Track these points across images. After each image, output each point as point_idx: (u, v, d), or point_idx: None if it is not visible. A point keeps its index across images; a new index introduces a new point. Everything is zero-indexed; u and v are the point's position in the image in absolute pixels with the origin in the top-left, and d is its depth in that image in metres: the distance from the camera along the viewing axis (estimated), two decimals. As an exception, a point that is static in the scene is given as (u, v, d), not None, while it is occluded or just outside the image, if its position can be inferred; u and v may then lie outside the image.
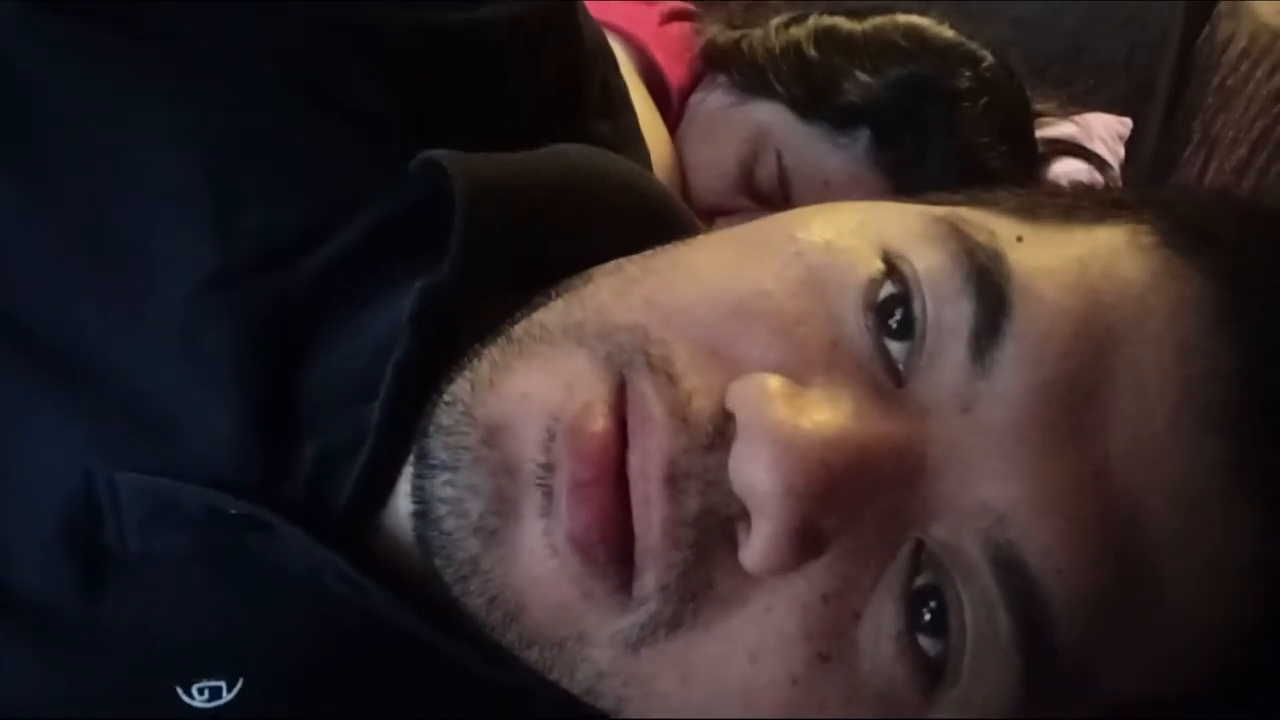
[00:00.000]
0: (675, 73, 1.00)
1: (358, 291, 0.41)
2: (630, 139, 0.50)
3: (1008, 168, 0.93)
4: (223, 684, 0.39)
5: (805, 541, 0.33)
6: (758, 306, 0.36)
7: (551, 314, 0.38)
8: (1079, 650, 0.34)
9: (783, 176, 0.95)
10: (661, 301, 0.37)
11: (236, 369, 0.40)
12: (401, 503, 0.39)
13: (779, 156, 0.95)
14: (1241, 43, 1.03)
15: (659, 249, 0.40)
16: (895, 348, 0.35)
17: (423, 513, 0.37)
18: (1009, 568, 0.33)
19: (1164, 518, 0.34)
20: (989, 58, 0.96)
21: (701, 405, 0.34)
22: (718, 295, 0.36)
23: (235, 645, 0.40)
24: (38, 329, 0.40)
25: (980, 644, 0.34)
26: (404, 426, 0.39)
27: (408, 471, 0.38)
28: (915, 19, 0.97)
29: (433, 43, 0.43)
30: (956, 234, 0.36)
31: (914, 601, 0.34)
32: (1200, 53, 1.18)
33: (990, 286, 0.35)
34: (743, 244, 0.39)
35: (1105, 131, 1.15)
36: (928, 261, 0.35)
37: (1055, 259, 0.36)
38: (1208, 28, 1.20)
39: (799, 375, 0.34)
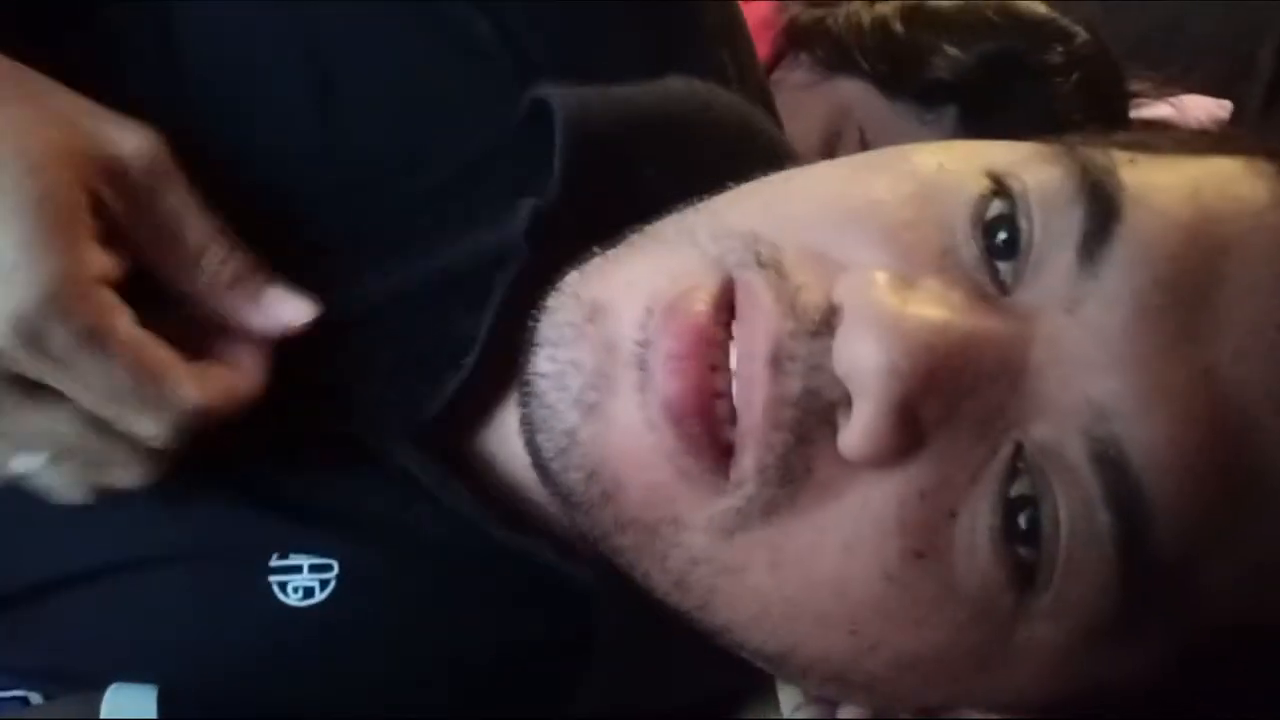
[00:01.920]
0: (757, 50, 0.99)
1: (472, 210, 0.42)
2: (747, 68, 0.50)
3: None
4: (320, 564, 0.41)
5: (905, 426, 0.34)
6: (869, 213, 0.37)
7: (667, 221, 0.39)
8: (1179, 555, 0.34)
9: (866, 154, 0.93)
10: (775, 209, 0.38)
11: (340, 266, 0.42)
12: (510, 405, 0.41)
13: (862, 134, 0.93)
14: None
15: (772, 175, 0.41)
16: (1002, 266, 0.36)
17: (526, 392, 0.38)
18: (1110, 464, 0.33)
19: (1272, 423, 0.34)
20: (1082, 33, 0.94)
21: (810, 297, 0.35)
22: (830, 203, 0.38)
23: (333, 529, 0.42)
24: None
25: (1077, 545, 0.34)
26: (509, 341, 0.39)
27: (509, 400, 0.40)
28: (1006, -6, 0.95)
29: None
30: (1070, 152, 0.36)
31: (1011, 508, 0.34)
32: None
33: (1102, 194, 0.35)
34: (857, 164, 0.41)
35: (1203, 114, 1.11)
36: (1039, 176, 0.36)
37: (1170, 177, 0.37)
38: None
39: (907, 275, 0.35)
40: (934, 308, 0.34)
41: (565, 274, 0.39)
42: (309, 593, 0.42)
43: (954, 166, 0.38)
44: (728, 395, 0.35)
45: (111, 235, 0.37)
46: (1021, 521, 0.34)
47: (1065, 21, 0.94)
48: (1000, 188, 0.36)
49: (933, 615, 0.35)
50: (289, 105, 0.43)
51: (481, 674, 0.43)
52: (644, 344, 0.35)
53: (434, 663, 0.43)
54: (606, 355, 0.36)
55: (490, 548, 0.41)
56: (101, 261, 0.36)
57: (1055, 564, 0.34)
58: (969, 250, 0.36)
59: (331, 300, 0.41)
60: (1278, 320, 0.35)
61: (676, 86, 0.45)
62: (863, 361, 0.33)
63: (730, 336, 0.35)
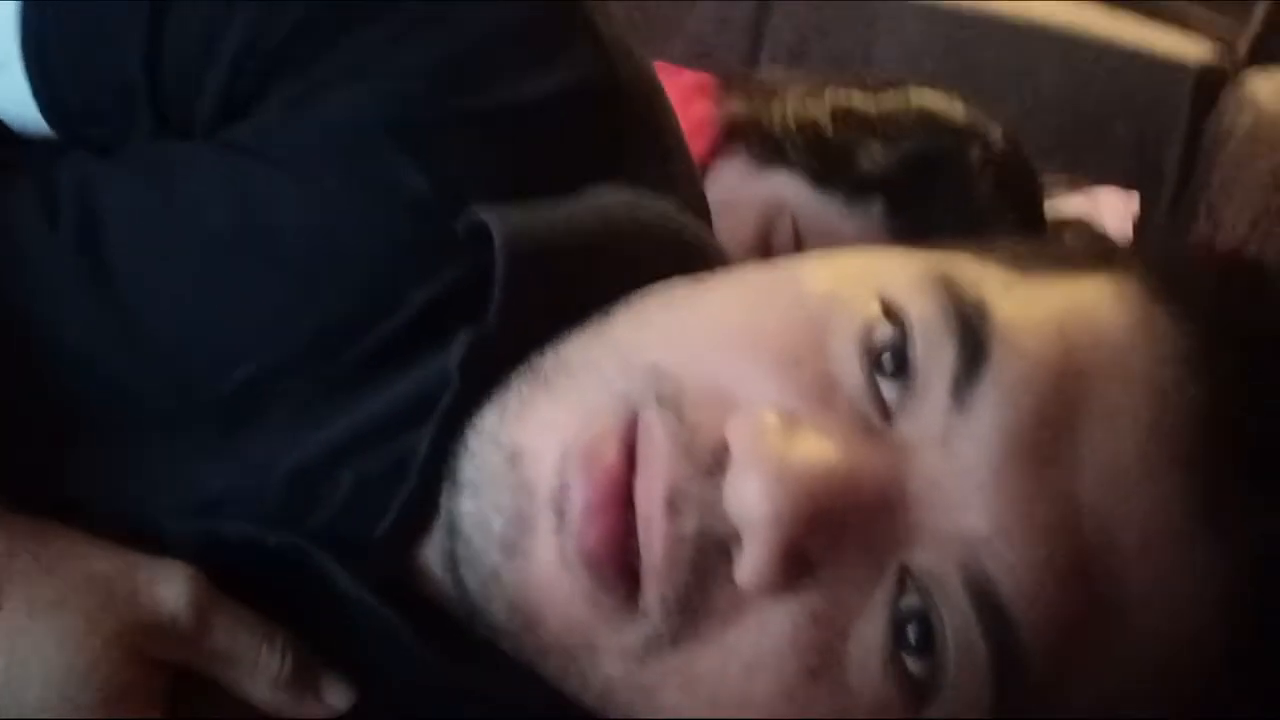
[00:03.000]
0: (695, 147, 1.04)
1: (408, 357, 0.44)
2: (678, 180, 0.52)
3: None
4: None
5: (792, 563, 0.36)
6: (760, 347, 0.39)
7: (574, 349, 0.42)
8: (1048, 671, 0.37)
9: (799, 244, 0.98)
10: (674, 340, 0.40)
11: (288, 423, 0.43)
12: (437, 535, 0.42)
13: (795, 225, 0.98)
14: (1243, 129, 1.06)
15: (678, 285, 0.43)
16: (887, 387, 0.38)
17: (451, 528, 0.40)
18: (982, 594, 0.36)
19: (1131, 549, 0.37)
20: (998, 135, 1.00)
21: (704, 437, 0.37)
22: (725, 337, 0.40)
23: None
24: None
25: (959, 663, 0.37)
26: (445, 462, 0.42)
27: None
28: (929, 98, 1.01)
29: (474, 128, 0.46)
30: (947, 285, 0.39)
31: (900, 622, 0.37)
32: (1207, 135, 1.22)
33: (972, 334, 0.38)
34: (752, 287, 0.43)
35: (1113, 208, 1.18)
36: (921, 310, 0.39)
37: (1037, 309, 0.39)
38: (1214, 111, 1.24)
39: (794, 411, 0.38)
40: (816, 450, 0.37)
41: (490, 403, 0.41)
42: None
43: (845, 289, 0.40)
44: (635, 533, 0.37)
45: (168, 675, 0.39)
46: (910, 635, 0.37)
47: (983, 124, 1.00)
48: (890, 313, 0.39)
49: None
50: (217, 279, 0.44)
51: None
52: (560, 489, 0.38)
53: None
54: (526, 498, 0.39)
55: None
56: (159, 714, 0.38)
57: (944, 677, 0.37)
58: (855, 380, 0.39)
59: (288, 454, 0.43)
60: (1135, 455, 0.38)
61: (609, 200, 0.47)
62: (749, 508, 0.36)
63: (637, 470, 0.38)
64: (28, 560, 0.39)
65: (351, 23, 0.45)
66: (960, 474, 0.37)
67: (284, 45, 0.45)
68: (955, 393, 0.38)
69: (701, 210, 0.53)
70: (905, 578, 0.37)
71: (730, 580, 0.37)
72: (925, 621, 0.37)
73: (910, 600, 0.37)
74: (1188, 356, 0.39)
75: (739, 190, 1.01)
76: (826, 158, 0.98)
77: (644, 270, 0.45)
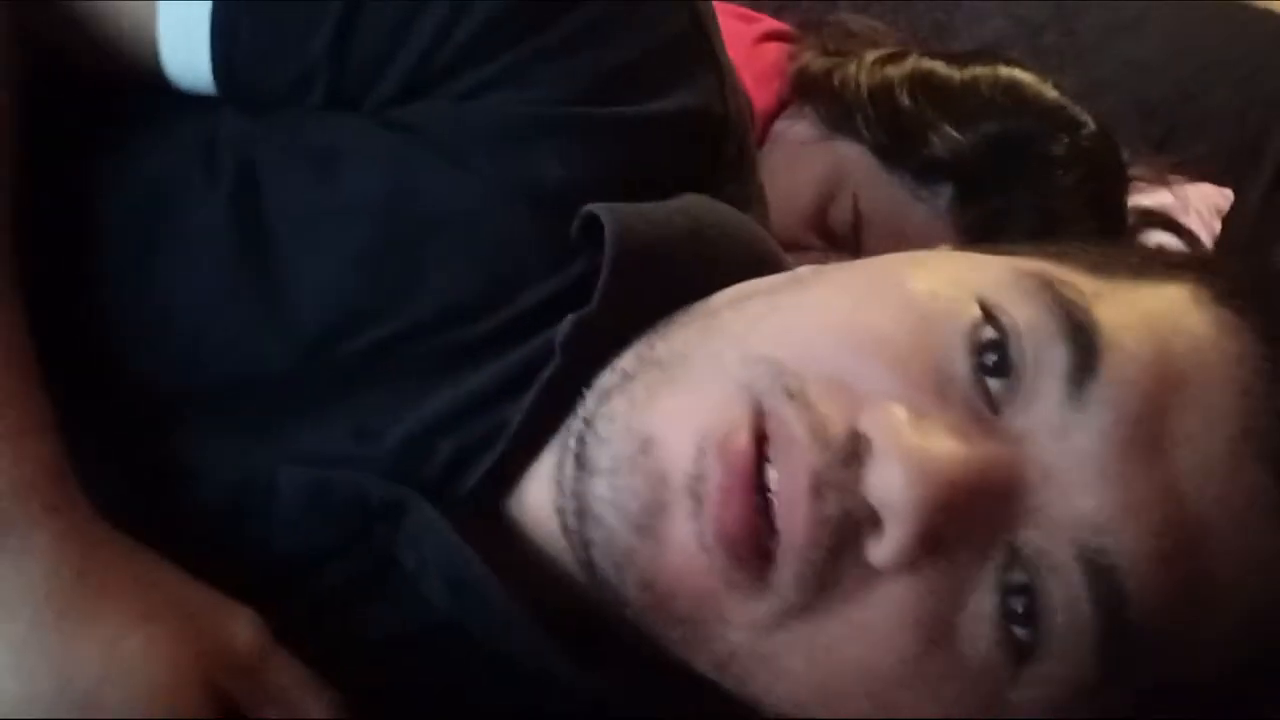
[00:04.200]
0: (761, 96, 0.97)
1: (518, 342, 0.48)
2: (752, 200, 0.56)
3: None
4: None
5: (929, 545, 0.40)
6: (878, 345, 0.42)
7: (688, 340, 0.45)
8: (1148, 636, 0.41)
9: (857, 221, 0.92)
10: (792, 337, 0.43)
11: (403, 392, 0.47)
12: (530, 499, 0.46)
13: (856, 202, 0.92)
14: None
15: (773, 285, 0.47)
16: (992, 384, 0.42)
17: (580, 511, 0.43)
18: (1098, 570, 0.40)
19: (1224, 533, 0.41)
20: (1091, 124, 0.92)
21: (835, 429, 0.40)
22: (838, 333, 0.43)
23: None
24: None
25: (1065, 630, 0.40)
26: (539, 432, 0.46)
27: (537, 471, 0.46)
28: (1019, 73, 0.93)
29: (611, 133, 0.50)
30: (1049, 288, 0.42)
31: (1008, 595, 0.41)
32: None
33: (1083, 336, 0.41)
34: (854, 286, 0.46)
35: (1203, 203, 1.10)
36: (1025, 312, 0.42)
37: (1132, 314, 0.43)
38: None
39: (916, 405, 0.41)
40: (950, 441, 0.40)
41: (601, 381, 0.45)
42: None
43: (946, 293, 0.43)
44: (764, 511, 0.40)
45: (221, 705, 0.42)
46: (1018, 606, 0.41)
47: (1075, 110, 0.92)
48: (990, 315, 0.42)
49: (941, 687, 0.41)
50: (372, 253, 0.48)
51: None
52: (697, 477, 0.41)
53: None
54: (660, 484, 0.41)
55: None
56: None
57: (1048, 644, 0.40)
58: (964, 374, 0.42)
59: (399, 423, 0.46)
60: (1224, 446, 0.41)
61: (700, 204, 0.51)
62: (896, 495, 0.39)
63: (766, 459, 0.40)
64: (129, 577, 0.42)
65: (533, 26, 0.49)
66: (1077, 462, 0.40)
67: (470, 41, 0.49)
68: (1070, 388, 0.41)
69: (764, 219, 0.57)
70: (1015, 554, 0.41)
71: (859, 558, 0.40)
72: (1031, 594, 0.40)
73: (1017, 575, 0.41)
74: (1263, 362, 0.43)
75: (801, 155, 0.94)
76: (897, 134, 0.90)
77: (727, 270, 0.49)
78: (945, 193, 0.89)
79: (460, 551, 0.44)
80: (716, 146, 0.54)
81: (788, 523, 0.40)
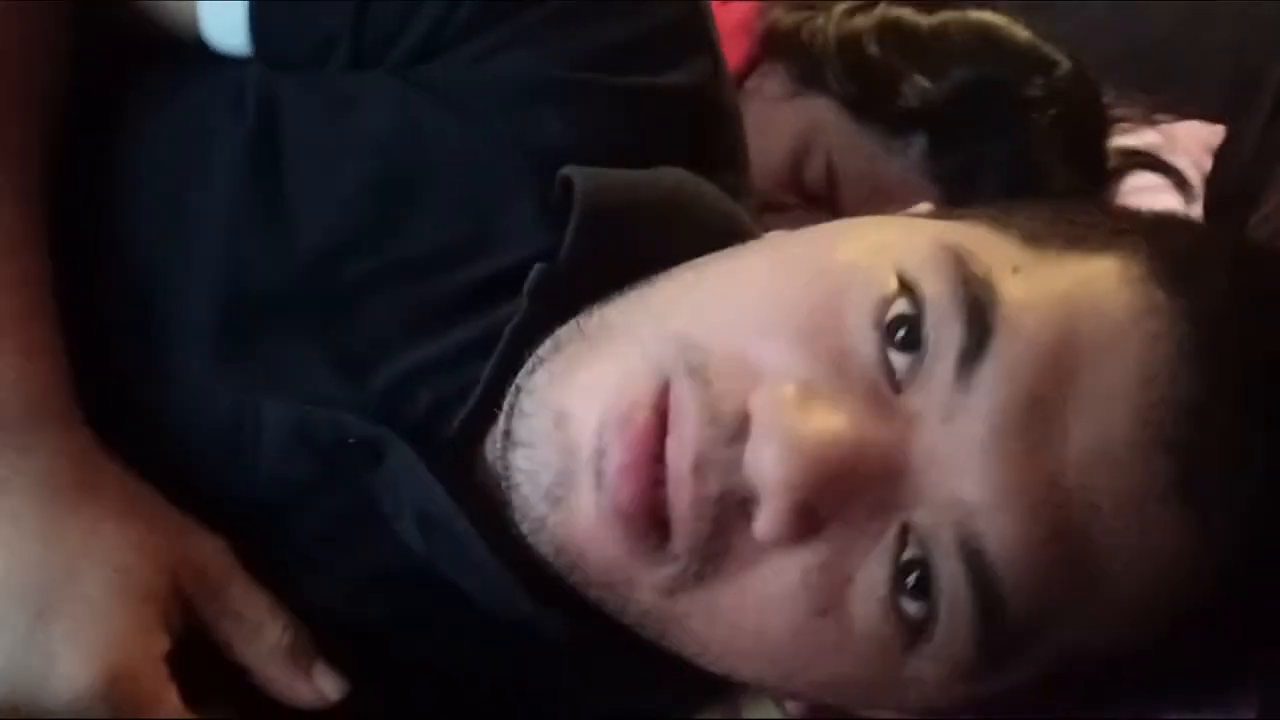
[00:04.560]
0: (731, 55, 0.94)
1: (497, 300, 0.50)
2: (741, 192, 0.58)
3: (1071, 187, 0.87)
4: None
5: (803, 520, 0.41)
6: (782, 321, 0.44)
7: (616, 312, 0.47)
8: (1026, 620, 0.42)
9: (831, 177, 0.90)
10: (704, 312, 0.45)
11: (386, 334, 0.50)
12: (489, 448, 0.48)
13: (829, 157, 0.90)
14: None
15: (715, 256, 0.49)
16: (898, 359, 0.42)
17: (506, 479, 0.45)
18: (972, 553, 0.41)
19: (1111, 520, 0.41)
20: (1065, 63, 0.90)
21: (728, 405, 0.42)
22: (750, 309, 0.45)
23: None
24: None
25: (950, 610, 0.42)
26: (508, 381, 0.47)
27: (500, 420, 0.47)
28: (988, 17, 0.91)
29: (612, 100, 0.54)
30: (959, 264, 0.43)
31: (901, 570, 0.42)
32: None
33: (979, 315, 0.42)
34: (779, 259, 0.48)
35: (1193, 141, 1.07)
36: (933, 288, 0.42)
37: (1043, 291, 0.43)
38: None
39: (811, 382, 0.42)
40: (828, 423, 0.41)
41: (555, 330, 0.47)
42: None
43: (866, 264, 0.44)
44: (665, 485, 0.42)
45: (183, 613, 0.46)
46: (910, 580, 0.42)
47: (1048, 50, 0.90)
48: (906, 288, 0.43)
49: (835, 656, 0.43)
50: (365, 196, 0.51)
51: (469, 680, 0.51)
52: (599, 451, 0.43)
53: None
54: (570, 457, 0.43)
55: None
56: (163, 642, 0.45)
57: (937, 621, 0.42)
58: (869, 352, 0.43)
59: (383, 369, 0.49)
60: (1120, 430, 0.41)
61: (679, 176, 0.53)
62: (767, 473, 0.41)
63: (669, 433, 0.42)
64: (116, 485, 0.47)
65: None
66: (958, 446, 0.41)
67: (481, 7, 0.52)
68: (959, 370, 0.41)
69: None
70: (907, 533, 0.42)
71: (749, 531, 0.42)
72: (925, 570, 0.42)
73: (913, 552, 0.42)
74: (1181, 346, 0.42)
75: (772, 114, 0.92)
76: (866, 85, 0.89)
77: (698, 240, 0.50)
78: (919, 143, 0.87)
79: (431, 489, 0.46)
80: (708, 129, 0.57)
81: (675, 498, 0.42)
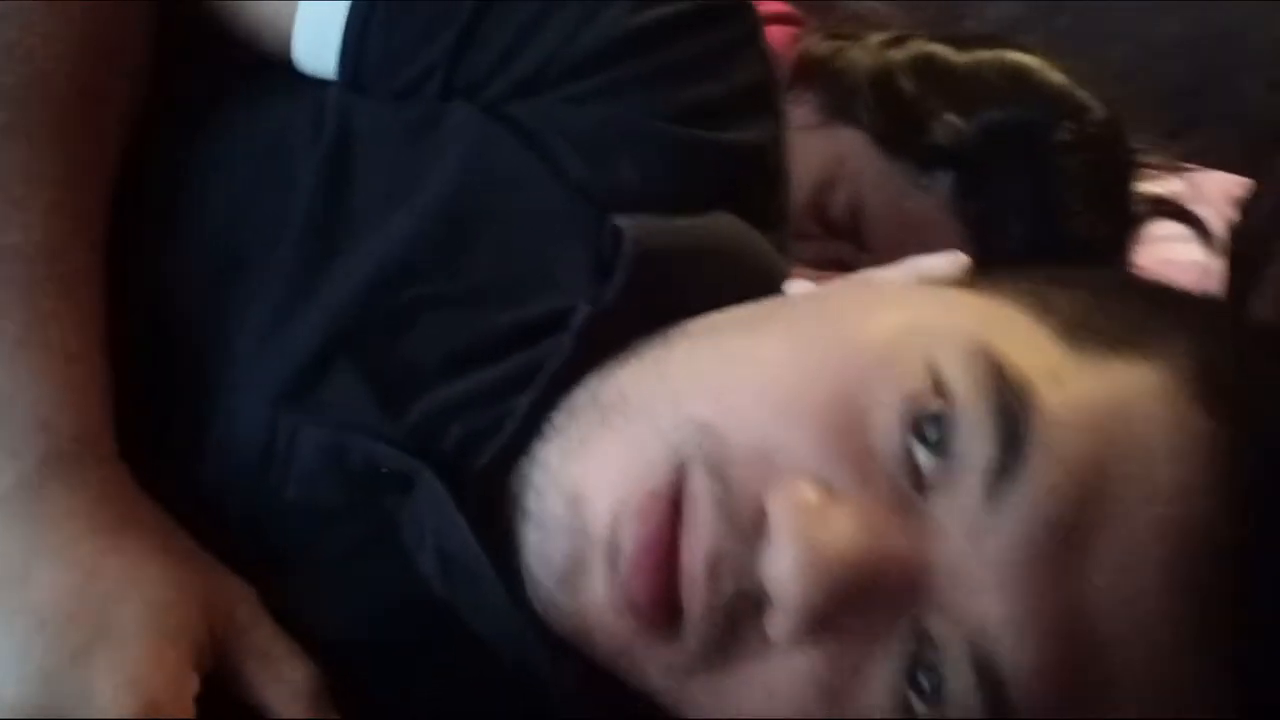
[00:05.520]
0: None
1: (536, 340, 0.50)
2: (784, 249, 0.59)
3: (1097, 234, 0.87)
4: None
5: (818, 628, 0.41)
6: (805, 414, 0.43)
7: (633, 382, 0.46)
8: None
9: (856, 210, 0.90)
10: (723, 397, 0.44)
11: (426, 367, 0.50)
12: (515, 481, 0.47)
13: (855, 188, 0.90)
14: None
15: (737, 317, 0.49)
16: (925, 458, 0.41)
17: (519, 549, 0.45)
18: (986, 670, 0.40)
19: (1127, 655, 0.41)
20: (1098, 109, 0.90)
21: (746, 503, 0.41)
22: (772, 396, 0.43)
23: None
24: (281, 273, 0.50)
25: (956, 716, 0.41)
26: (544, 420, 0.47)
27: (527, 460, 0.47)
28: (1024, 57, 0.91)
29: (687, 154, 0.55)
30: (994, 369, 0.42)
31: (913, 671, 0.41)
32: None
33: (1012, 431, 0.41)
34: (803, 340, 0.46)
35: (1219, 192, 1.07)
36: (966, 391, 0.41)
37: (1082, 404, 0.42)
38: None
39: (833, 481, 0.41)
40: (848, 533, 0.40)
41: (554, 436, 0.46)
42: None
43: (896, 354, 0.43)
44: (679, 572, 0.41)
45: (212, 653, 0.45)
46: (924, 683, 0.41)
47: (1082, 95, 0.90)
48: (938, 388, 0.42)
49: None
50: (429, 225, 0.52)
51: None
52: (613, 543, 0.42)
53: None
54: (583, 541, 0.43)
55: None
56: (194, 682, 0.44)
57: None
58: (894, 450, 0.42)
59: (418, 401, 0.49)
60: (1146, 574, 0.40)
61: (728, 222, 0.54)
62: (784, 584, 0.40)
63: (683, 527, 0.42)
64: (155, 525, 0.47)
65: (642, 51, 0.54)
66: (982, 565, 0.41)
67: (582, 58, 0.53)
68: (988, 487, 0.41)
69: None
70: (922, 638, 0.41)
71: (761, 627, 0.42)
72: (936, 676, 0.41)
73: (927, 653, 0.41)
74: (1219, 480, 0.41)
75: (800, 142, 0.91)
76: (898, 118, 0.89)
77: (741, 285, 0.50)
78: (946, 181, 0.88)
79: (457, 529, 0.46)
80: (765, 188, 0.58)
81: (687, 595, 0.41)
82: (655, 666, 0.44)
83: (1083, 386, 0.42)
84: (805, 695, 0.42)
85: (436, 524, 0.46)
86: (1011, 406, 0.41)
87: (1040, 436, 0.41)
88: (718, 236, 0.54)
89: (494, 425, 0.48)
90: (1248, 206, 1.11)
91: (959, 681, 0.41)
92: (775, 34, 1.00)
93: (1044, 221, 0.86)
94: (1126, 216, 0.93)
